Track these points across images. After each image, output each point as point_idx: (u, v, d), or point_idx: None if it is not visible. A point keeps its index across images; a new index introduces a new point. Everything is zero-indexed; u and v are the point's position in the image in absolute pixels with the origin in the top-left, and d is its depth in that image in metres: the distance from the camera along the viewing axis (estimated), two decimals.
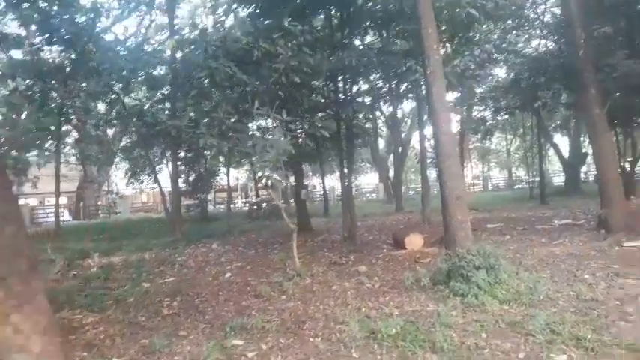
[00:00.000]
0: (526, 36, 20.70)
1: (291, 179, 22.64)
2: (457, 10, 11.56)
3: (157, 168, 21.30)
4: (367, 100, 17.36)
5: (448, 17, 11.97)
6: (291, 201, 26.21)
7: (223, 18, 13.90)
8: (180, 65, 14.05)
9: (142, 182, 21.47)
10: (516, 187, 44.49)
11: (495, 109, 22.51)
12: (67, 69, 17.26)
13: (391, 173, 35.98)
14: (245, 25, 11.01)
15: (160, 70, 17.16)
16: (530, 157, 31.96)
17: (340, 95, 14.80)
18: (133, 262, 13.06)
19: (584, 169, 36.83)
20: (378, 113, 30.65)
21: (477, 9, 12.86)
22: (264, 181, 10.73)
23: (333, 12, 14.83)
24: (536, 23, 19.31)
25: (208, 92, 11.20)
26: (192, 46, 10.77)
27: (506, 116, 25.53)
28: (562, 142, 34.45)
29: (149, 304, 8.26)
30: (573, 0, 12.47)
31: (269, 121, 11.53)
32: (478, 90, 23.48)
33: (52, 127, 20.65)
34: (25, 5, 14.84)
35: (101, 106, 21.41)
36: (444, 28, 12.45)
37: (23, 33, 17.42)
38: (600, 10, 15.71)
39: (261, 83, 9.89)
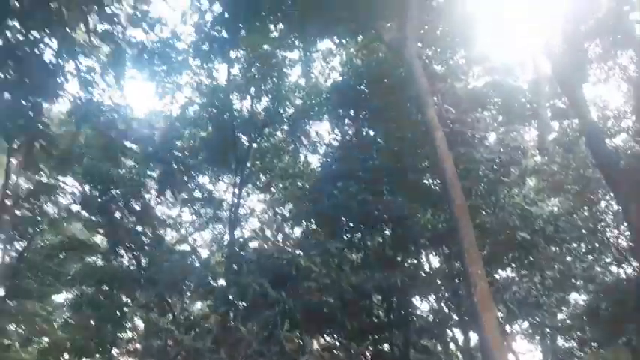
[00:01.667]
0: (604, 260, 19.10)
1: None
2: (511, 233, 10.90)
3: None
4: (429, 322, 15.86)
5: (501, 239, 11.27)
6: None
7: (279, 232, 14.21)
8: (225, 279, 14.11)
9: None
10: None
11: (580, 341, 19.61)
12: (132, 276, 17.90)
13: None
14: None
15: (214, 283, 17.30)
16: None
17: (392, 317, 13.65)
18: None
19: None
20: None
21: (535, 232, 12.15)
22: None
23: (386, 230, 14.76)
24: (609, 247, 17.96)
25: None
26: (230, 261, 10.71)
27: (598, 349, 22.04)
28: None
29: None
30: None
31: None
32: (559, 316, 20.97)
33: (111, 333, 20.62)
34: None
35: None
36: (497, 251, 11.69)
37: (98, 240, 18.90)
38: None
39: (295, 302, 9.27)
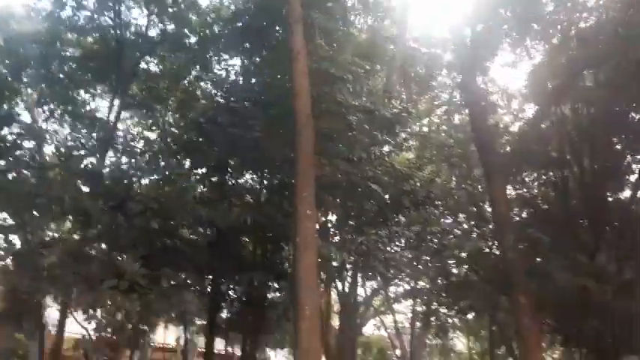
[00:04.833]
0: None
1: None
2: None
3: None
4: None
5: (359, 191, 10.97)
6: None
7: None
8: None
9: None
10: None
11: (440, 304, 20.67)
12: None
13: None
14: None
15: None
16: None
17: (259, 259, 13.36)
18: None
19: None
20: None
21: (405, 193, 12.13)
22: None
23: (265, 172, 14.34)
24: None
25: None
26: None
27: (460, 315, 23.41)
28: None
29: None
30: (503, 204, 11.75)
31: None
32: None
33: None
34: None
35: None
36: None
37: None
38: (542, 216, 15.16)
39: (124, 221, 8.54)
